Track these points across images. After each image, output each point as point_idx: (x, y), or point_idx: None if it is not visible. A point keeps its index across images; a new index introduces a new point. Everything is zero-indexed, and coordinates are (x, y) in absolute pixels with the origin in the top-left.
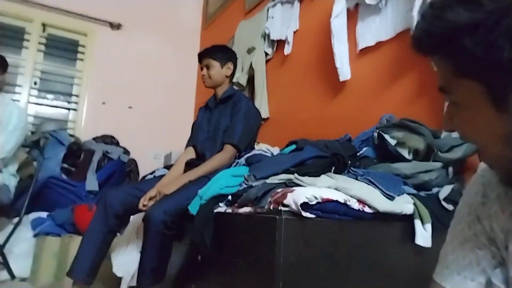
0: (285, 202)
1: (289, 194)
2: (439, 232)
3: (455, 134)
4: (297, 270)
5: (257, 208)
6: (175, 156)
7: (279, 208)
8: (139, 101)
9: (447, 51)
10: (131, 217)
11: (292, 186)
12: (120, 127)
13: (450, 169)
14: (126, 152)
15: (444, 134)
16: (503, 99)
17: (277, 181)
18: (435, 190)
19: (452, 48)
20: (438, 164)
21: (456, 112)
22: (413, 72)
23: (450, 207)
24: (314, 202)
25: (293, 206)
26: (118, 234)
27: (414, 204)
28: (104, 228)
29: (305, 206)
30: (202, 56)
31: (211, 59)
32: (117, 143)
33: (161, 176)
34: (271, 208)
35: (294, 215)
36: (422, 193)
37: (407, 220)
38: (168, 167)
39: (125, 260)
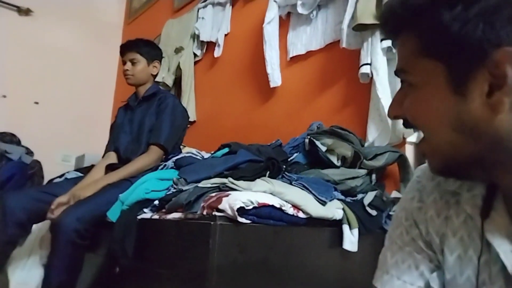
0: (220, 207)
1: (224, 199)
2: (363, 237)
3: (377, 143)
4: (230, 277)
5: (188, 213)
6: (89, 158)
7: (213, 213)
8: (47, 97)
9: (419, 26)
10: (34, 225)
11: (226, 191)
12: (24, 124)
13: (373, 176)
14: (29, 152)
15: (367, 143)
16: (462, 83)
17: (210, 185)
18: (359, 196)
19: (425, 22)
20: (363, 171)
21: (410, 93)
22: (341, 82)
23: (373, 212)
24: (250, 207)
25: (229, 211)
26: (18, 245)
27: (343, 209)
28: (2, 238)
29: (241, 211)
30: (126, 48)
31: (137, 54)
32: (18, 142)
33: (74, 179)
34: (205, 213)
35: (230, 220)
36: (349, 199)
37: (335, 225)
38: (80, 170)
39: (25, 274)
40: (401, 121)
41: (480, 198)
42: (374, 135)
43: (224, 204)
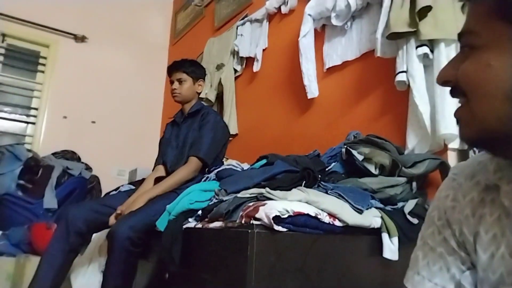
0: (257, 216)
1: (261, 208)
2: (405, 246)
3: (417, 150)
4: (268, 283)
5: (228, 222)
6: (141, 172)
7: (251, 222)
8: (103, 116)
9: None
10: (94, 234)
11: (263, 200)
12: (82, 142)
13: (414, 184)
14: (88, 168)
15: (407, 151)
16: None
17: (248, 195)
18: (400, 204)
19: None
20: (403, 179)
21: (471, 56)
22: (378, 91)
23: (415, 220)
24: (286, 216)
25: (265, 220)
26: (79, 253)
27: (382, 217)
28: (65, 247)
29: (277, 219)
30: (173, 69)
31: (184, 74)
32: (78, 159)
33: (128, 192)
34: (243, 222)
35: (266, 228)
36: (388, 207)
37: (375, 234)
38: (134, 183)
39: (86, 281)
40: (442, 127)
41: None
42: (413, 143)
43: (261, 213)
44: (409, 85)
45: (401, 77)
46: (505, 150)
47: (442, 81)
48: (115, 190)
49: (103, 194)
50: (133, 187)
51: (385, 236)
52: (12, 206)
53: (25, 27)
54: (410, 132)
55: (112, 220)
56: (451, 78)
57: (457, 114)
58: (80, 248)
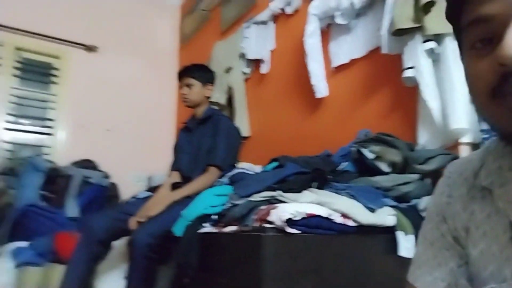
0: (269, 219)
1: (273, 211)
2: None
3: (429, 146)
4: (284, 285)
5: (242, 226)
6: (157, 178)
7: (264, 225)
8: (117, 123)
9: None
10: (116, 241)
11: (275, 203)
12: (99, 150)
13: (427, 180)
14: (106, 176)
15: (418, 147)
16: None
17: (260, 199)
18: (414, 201)
19: None
20: (416, 176)
21: None
22: (387, 88)
23: None
24: (298, 218)
25: (278, 223)
26: (102, 260)
27: (396, 215)
28: (88, 256)
29: (290, 222)
30: (182, 74)
31: (192, 78)
32: (96, 167)
33: (145, 198)
34: (256, 225)
35: (279, 231)
36: (403, 205)
37: (389, 232)
38: (150, 189)
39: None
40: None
41: None
42: (425, 138)
43: (273, 216)
44: (417, 81)
45: (408, 73)
46: None
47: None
48: (133, 197)
49: (122, 201)
50: (151, 193)
51: (399, 234)
52: (36, 217)
53: (36, 40)
54: (421, 128)
55: (132, 223)
56: None
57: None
58: (103, 255)
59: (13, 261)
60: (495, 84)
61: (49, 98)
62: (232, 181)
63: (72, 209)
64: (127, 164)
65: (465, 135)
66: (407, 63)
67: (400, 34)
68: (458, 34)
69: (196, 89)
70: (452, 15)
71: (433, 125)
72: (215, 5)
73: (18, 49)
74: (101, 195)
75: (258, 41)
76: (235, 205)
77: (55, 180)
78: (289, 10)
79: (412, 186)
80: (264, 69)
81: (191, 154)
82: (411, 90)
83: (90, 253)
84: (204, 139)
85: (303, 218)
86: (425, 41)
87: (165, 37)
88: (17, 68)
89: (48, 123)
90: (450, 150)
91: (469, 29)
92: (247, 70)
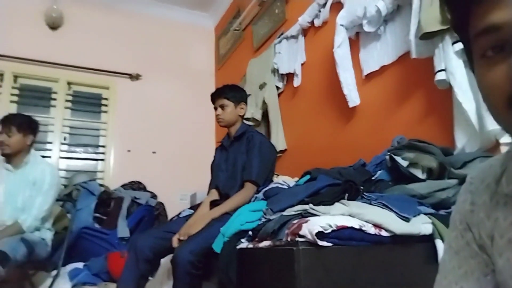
0: (301, 233)
1: (304, 225)
2: None
3: (468, 149)
4: None
5: (275, 241)
6: (200, 195)
7: (296, 239)
8: (161, 146)
9: None
10: (162, 260)
11: (307, 217)
12: (146, 172)
13: None
14: (154, 196)
15: (456, 151)
16: None
17: (293, 213)
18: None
19: None
20: (454, 181)
21: None
22: (419, 92)
23: None
24: (329, 231)
25: (309, 236)
26: (150, 278)
27: (433, 223)
28: (136, 274)
29: (321, 235)
30: (215, 96)
31: (225, 99)
32: (144, 188)
33: (187, 216)
34: (289, 240)
35: (311, 245)
36: (442, 212)
37: (427, 241)
38: (193, 207)
39: None
40: (489, 122)
41: None
42: (462, 142)
43: (304, 230)
44: (450, 83)
45: (440, 76)
46: None
47: None
48: (178, 215)
49: (168, 219)
50: (192, 211)
51: (438, 242)
52: (90, 238)
53: (86, 74)
54: (457, 131)
55: (174, 241)
56: None
57: None
58: (150, 273)
59: (71, 281)
60: (511, 93)
61: (100, 126)
62: (266, 196)
63: (123, 229)
64: (172, 183)
65: (504, 135)
66: (438, 65)
67: (429, 37)
68: (466, 44)
69: (230, 109)
70: (458, 26)
71: (469, 127)
72: (247, 24)
73: (69, 83)
74: (150, 215)
75: (289, 55)
76: (269, 220)
77: (107, 202)
78: (317, 23)
79: (450, 192)
80: (296, 82)
81: (227, 171)
82: (445, 93)
83: (138, 272)
84: (239, 156)
85: (334, 231)
86: (454, 42)
87: (202, 60)
88: (69, 101)
89: (100, 149)
90: (491, 151)
91: (479, 39)
92: (280, 85)
